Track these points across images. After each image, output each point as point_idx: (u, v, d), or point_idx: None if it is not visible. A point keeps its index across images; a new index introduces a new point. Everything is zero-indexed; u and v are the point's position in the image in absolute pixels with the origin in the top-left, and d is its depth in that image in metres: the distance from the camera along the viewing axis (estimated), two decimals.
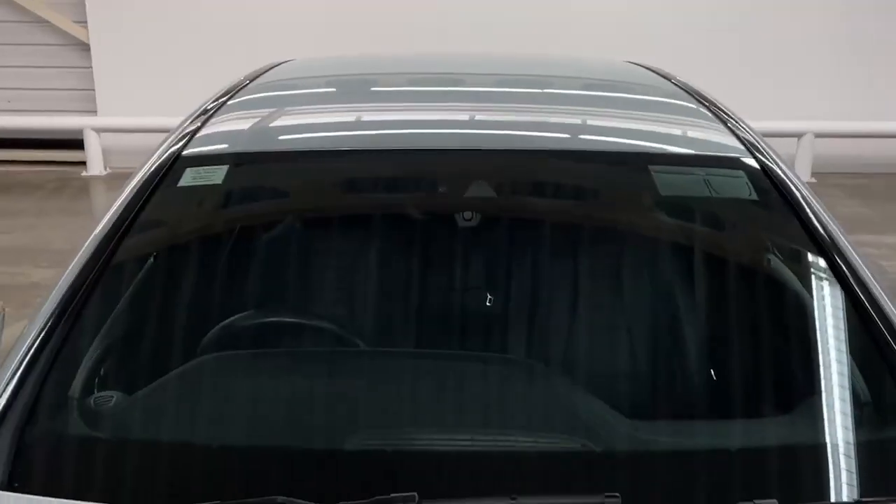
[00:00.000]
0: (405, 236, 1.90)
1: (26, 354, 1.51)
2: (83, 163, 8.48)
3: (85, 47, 8.47)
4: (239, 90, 2.27)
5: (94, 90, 8.53)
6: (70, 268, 1.68)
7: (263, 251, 1.93)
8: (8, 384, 1.47)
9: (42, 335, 1.54)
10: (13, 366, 1.50)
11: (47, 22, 8.41)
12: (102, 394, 1.60)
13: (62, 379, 1.54)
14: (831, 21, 8.26)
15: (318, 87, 2.49)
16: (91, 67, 8.47)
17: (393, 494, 1.26)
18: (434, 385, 1.55)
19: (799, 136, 8.13)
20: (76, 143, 8.48)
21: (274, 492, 1.28)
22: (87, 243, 1.73)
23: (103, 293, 1.66)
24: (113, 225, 1.74)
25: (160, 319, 1.78)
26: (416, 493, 1.26)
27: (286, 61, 2.77)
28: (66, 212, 7.24)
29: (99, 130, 8.28)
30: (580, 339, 1.68)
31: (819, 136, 8.15)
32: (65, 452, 1.44)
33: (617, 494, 1.26)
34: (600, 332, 1.71)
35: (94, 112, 8.53)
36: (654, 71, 2.62)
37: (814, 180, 8.21)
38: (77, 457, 1.44)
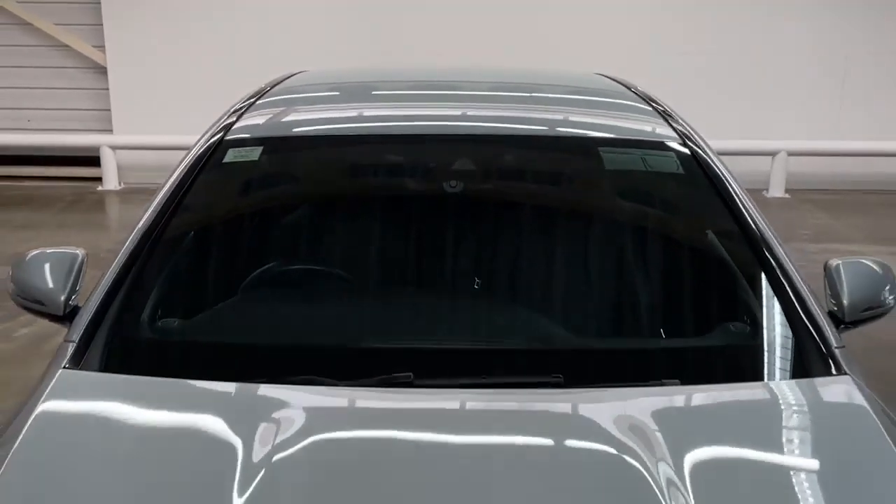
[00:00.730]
0: (405, 203, 2.38)
1: (106, 289, 1.98)
2: (97, 178, 8.96)
3: (102, 70, 9.00)
4: (263, 94, 2.75)
5: (110, 110, 9.05)
6: (137, 226, 2.14)
7: (290, 211, 2.40)
8: (94, 310, 1.93)
9: (117, 275, 2.00)
10: (99, 296, 1.96)
11: (68, 46, 8.94)
12: (166, 319, 2.06)
13: (136, 308, 2.00)
14: (804, 46, 8.81)
15: (327, 90, 2.97)
16: (108, 89, 8.99)
17: (393, 374, 1.72)
18: (424, 307, 2.02)
19: (773, 154, 8.63)
20: (91, 160, 8.97)
21: (307, 374, 1.74)
22: (149, 210, 2.18)
23: (164, 243, 2.12)
24: (170, 196, 2.19)
25: (209, 264, 2.24)
26: (411, 374, 1.72)
27: (299, 72, 3.24)
28: (86, 221, 7.72)
29: (115, 148, 8.77)
30: (535, 269, 2.15)
31: (792, 154, 8.66)
32: (143, 350, 1.90)
33: (560, 375, 1.73)
34: (552, 264, 2.18)
35: (109, 131, 9.03)
36: (617, 80, 3.09)
37: (787, 196, 8.72)
38: (152, 353, 1.90)
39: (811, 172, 8.86)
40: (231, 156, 2.28)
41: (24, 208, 8.12)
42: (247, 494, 1.37)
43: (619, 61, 8.29)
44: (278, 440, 1.48)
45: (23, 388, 4.05)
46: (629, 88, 2.92)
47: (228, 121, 2.44)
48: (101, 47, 8.91)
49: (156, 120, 8.83)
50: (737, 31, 8.79)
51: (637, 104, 2.66)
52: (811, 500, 1.44)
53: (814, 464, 1.55)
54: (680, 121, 2.56)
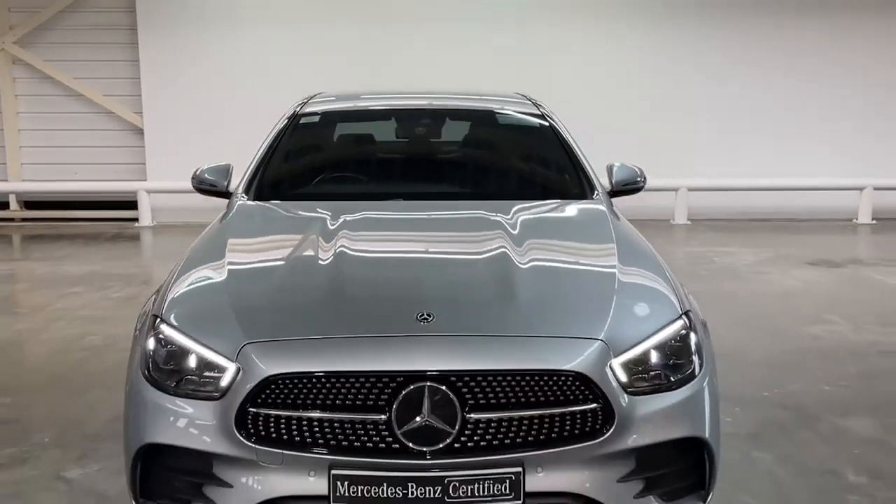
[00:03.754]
0: (395, 137, 4.51)
1: (248, 177, 4.00)
2: (133, 219, 10.96)
3: (140, 131, 11.13)
4: (310, 98, 4.82)
5: (144, 163, 11.13)
6: (258, 152, 4.18)
7: (336, 146, 4.48)
8: (246, 183, 3.95)
9: (253, 172, 4.03)
10: (247, 180, 3.99)
11: (112, 113, 11.10)
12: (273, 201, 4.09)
13: (264, 184, 4.02)
14: (701, 98, 11.18)
15: (342, 95, 5.08)
16: (143, 147, 11.11)
17: (394, 199, 3.79)
18: (408, 179, 4.12)
19: (676, 189, 10.87)
20: (128, 205, 11.00)
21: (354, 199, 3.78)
22: (263, 145, 4.23)
23: (278, 159, 4.15)
24: (277, 137, 4.24)
25: (295, 171, 4.26)
26: (401, 198, 3.79)
27: (321, 92, 5.31)
28: (129, 248, 9.68)
29: (149, 192, 10.82)
30: (462, 162, 4.26)
31: (691, 189, 10.90)
32: (270, 194, 3.92)
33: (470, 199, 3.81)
34: (470, 159, 4.29)
35: (144, 180, 11.09)
36: (523, 94, 5.21)
37: (689, 223, 10.93)
38: (275, 195, 3.91)
39: (711, 205, 11.11)
40: (303, 120, 4.36)
41: (76, 241, 10.01)
42: (332, 232, 3.34)
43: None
44: (345, 215, 3.46)
45: (119, 321, 5.89)
46: (526, 97, 5.05)
47: (296, 109, 4.53)
48: (140, 113, 11.07)
49: (181, 170, 10.83)
50: (646, 92, 11.16)
51: (525, 101, 4.79)
52: (569, 237, 3.47)
53: (577, 223, 3.62)
54: (546, 109, 4.68)
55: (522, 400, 2.46)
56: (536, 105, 4.63)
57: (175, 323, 2.70)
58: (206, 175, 4.13)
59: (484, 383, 2.44)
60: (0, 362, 5.21)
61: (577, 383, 2.48)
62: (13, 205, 11.30)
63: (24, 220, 11.27)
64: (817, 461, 3.63)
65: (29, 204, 11.43)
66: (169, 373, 2.61)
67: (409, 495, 2.41)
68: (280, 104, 4.58)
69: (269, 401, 2.45)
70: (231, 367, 2.49)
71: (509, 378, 2.45)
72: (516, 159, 4.42)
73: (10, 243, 10.06)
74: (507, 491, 2.44)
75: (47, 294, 6.96)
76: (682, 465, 2.68)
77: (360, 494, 2.42)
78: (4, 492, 3.32)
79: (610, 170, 4.23)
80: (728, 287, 7.20)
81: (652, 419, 2.56)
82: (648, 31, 11.15)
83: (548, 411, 2.46)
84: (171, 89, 11.02)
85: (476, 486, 2.43)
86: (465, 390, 2.43)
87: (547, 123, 4.41)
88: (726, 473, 3.34)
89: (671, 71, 11.18)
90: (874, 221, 10.96)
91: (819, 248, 9.10)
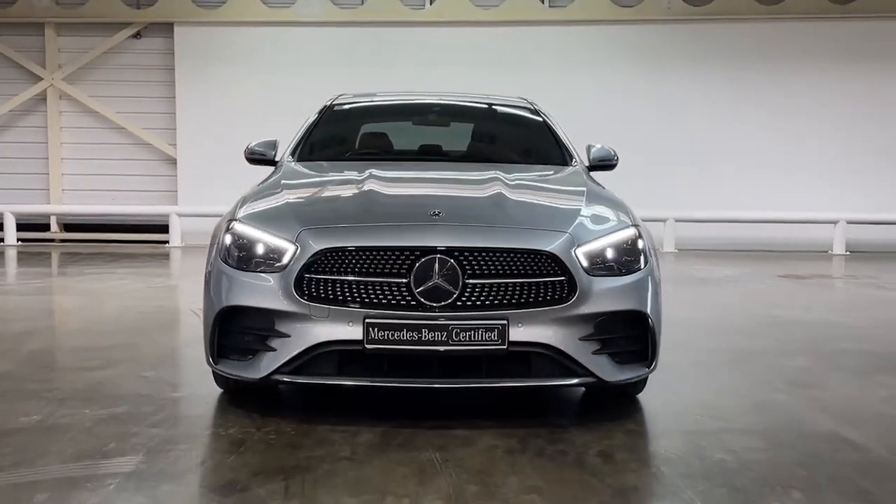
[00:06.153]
0: (415, 122, 5.46)
1: (291, 148, 4.93)
2: (161, 242, 11.90)
3: (173, 161, 12.16)
4: (338, 97, 5.77)
5: (176, 191, 12.13)
6: (301, 130, 5.12)
7: (365, 127, 5.41)
8: (290, 151, 4.88)
9: (295, 145, 4.96)
10: (290, 149, 4.92)
11: (150, 144, 12.15)
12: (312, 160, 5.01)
13: (303, 152, 4.94)
14: (692, 133, 12.18)
15: (366, 92, 6.04)
16: (176, 175, 12.12)
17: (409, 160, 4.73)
18: (423, 151, 5.06)
19: (664, 220, 11.79)
20: (159, 229, 11.95)
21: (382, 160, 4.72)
22: (304, 127, 5.17)
23: (315, 136, 5.09)
24: (314, 121, 5.19)
25: (329, 146, 5.18)
26: (417, 161, 4.72)
27: (344, 93, 6.28)
28: (163, 261, 10.59)
29: (180, 215, 11.78)
30: (466, 140, 5.19)
31: (678, 220, 11.82)
32: (310, 158, 4.83)
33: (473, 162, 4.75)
34: (471, 138, 5.22)
35: (175, 204, 12.08)
36: (524, 98, 6.15)
37: (676, 251, 11.82)
38: (313, 158, 4.83)
39: (700, 237, 12.02)
40: (335, 108, 5.33)
41: (115, 255, 10.95)
42: (364, 177, 4.24)
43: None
44: (371, 169, 4.33)
45: (165, 299, 6.74)
46: (525, 98, 6.00)
47: (330, 101, 5.49)
48: (174, 145, 12.12)
49: (209, 196, 11.90)
50: (637, 131, 12.18)
51: (523, 101, 5.74)
52: (551, 187, 4.37)
53: (558, 179, 4.49)
54: (540, 107, 5.62)
55: (508, 272, 3.32)
56: (532, 104, 5.61)
57: (247, 221, 3.59)
58: (257, 147, 5.03)
59: (480, 258, 3.30)
60: (73, 319, 6.09)
61: (550, 261, 3.34)
62: (53, 227, 12.27)
63: (63, 240, 12.23)
64: (754, 376, 4.44)
65: (68, 227, 12.39)
66: (242, 257, 3.48)
67: (423, 338, 3.25)
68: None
69: (320, 269, 3.31)
70: (291, 248, 3.36)
71: (499, 255, 3.32)
72: (514, 140, 5.35)
73: (52, 259, 10.98)
74: (496, 338, 3.28)
75: (100, 283, 7.86)
76: (629, 334, 3.52)
77: (386, 337, 3.26)
78: (100, 380, 4.15)
79: (589, 149, 5.13)
80: (704, 289, 8.04)
81: (605, 294, 3.41)
82: (646, 80, 12.24)
83: (527, 280, 3.33)
84: (202, 124, 12.08)
85: (472, 332, 3.27)
86: (465, 263, 3.29)
87: (540, 118, 5.37)
88: (678, 380, 4.19)
89: (663, 114, 12.22)
90: (848, 252, 11.83)
91: (791, 268, 9.96)
